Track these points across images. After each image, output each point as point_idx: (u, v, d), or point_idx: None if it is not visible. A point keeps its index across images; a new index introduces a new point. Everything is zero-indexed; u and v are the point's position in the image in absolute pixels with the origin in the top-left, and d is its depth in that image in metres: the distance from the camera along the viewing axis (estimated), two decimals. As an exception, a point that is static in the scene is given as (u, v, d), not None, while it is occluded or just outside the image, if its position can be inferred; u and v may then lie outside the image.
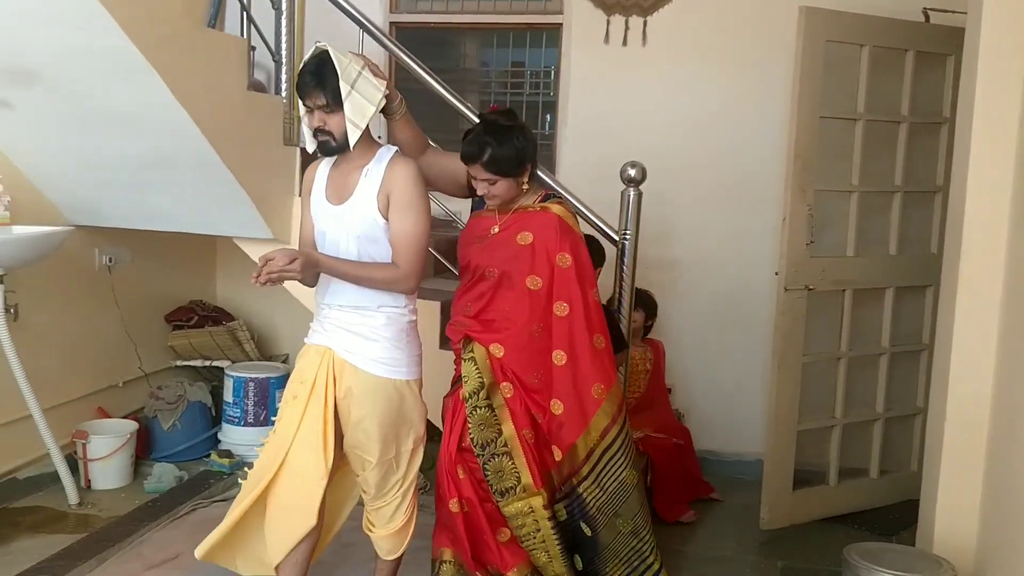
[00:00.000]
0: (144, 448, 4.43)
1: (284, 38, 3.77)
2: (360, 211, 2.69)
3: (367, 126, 2.68)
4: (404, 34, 5.20)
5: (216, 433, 4.62)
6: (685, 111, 4.77)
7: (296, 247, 2.87)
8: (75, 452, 4.09)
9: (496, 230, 2.94)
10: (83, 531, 3.65)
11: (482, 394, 2.92)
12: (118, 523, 3.75)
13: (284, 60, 3.77)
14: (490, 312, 2.95)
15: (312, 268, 2.63)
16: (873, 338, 4.22)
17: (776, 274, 3.90)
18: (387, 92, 2.75)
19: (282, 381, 4.60)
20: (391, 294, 2.74)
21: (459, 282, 3.08)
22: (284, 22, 3.76)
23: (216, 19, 4.07)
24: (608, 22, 4.81)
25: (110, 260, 4.40)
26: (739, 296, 4.52)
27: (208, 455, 4.47)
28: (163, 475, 4.17)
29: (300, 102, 2.70)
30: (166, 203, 3.79)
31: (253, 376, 4.55)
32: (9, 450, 3.89)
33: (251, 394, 4.52)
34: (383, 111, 2.85)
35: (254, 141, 3.59)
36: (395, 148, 2.80)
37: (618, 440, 2.92)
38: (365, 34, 3.91)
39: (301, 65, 2.66)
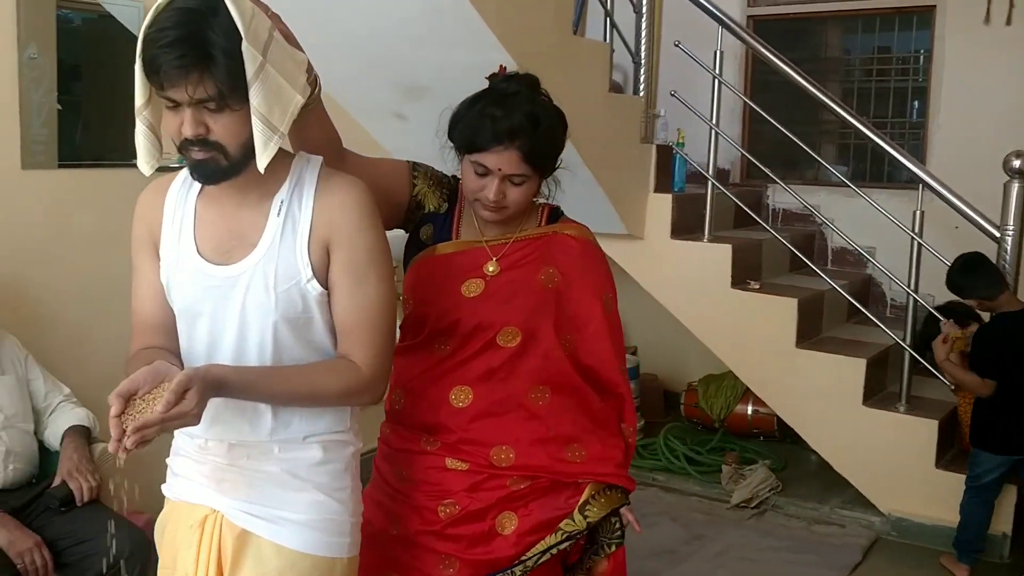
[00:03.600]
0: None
1: (644, 39, 3.90)
2: (277, 274, 1.51)
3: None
4: (761, 26, 5.13)
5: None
6: (1082, 91, 4.27)
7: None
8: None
9: (494, 269, 1.87)
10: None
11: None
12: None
13: (643, 61, 3.89)
14: (500, 394, 1.86)
15: (216, 394, 1.43)
16: None
17: None
18: (311, 74, 1.60)
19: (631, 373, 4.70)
20: (336, 411, 1.61)
21: (417, 353, 1.90)
22: (644, 24, 3.88)
23: (579, 24, 4.27)
24: (989, 1, 4.42)
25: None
26: None
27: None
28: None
29: (142, 90, 1.46)
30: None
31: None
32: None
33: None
34: None
35: (612, 140, 3.73)
36: (318, 159, 1.61)
37: None
38: (723, 29, 3.92)
39: (151, 18, 1.39)
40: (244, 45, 1.38)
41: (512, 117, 1.78)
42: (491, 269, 1.87)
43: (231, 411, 1.53)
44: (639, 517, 1.91)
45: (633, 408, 1.96)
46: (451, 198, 1.94)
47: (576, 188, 3.67)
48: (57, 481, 2.49)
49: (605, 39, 4.07)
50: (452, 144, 1.89)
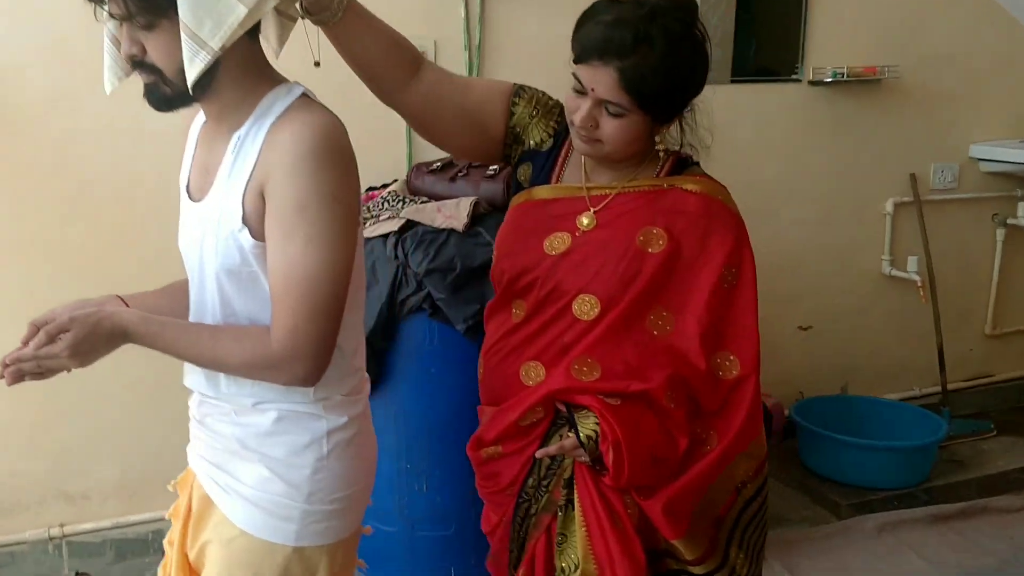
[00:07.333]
0: None
1: None
2: (220, 219, 1.33)
3: (245, 47, 1.31)
4: None
5: None
6: None
7: None
8: None
9: (589, 222, 1.56)
10: None
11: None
12: None
13: None
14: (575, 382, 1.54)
15: (125, 340, 1.29)
16: None
17: None
18: None
19: None
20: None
21: (496, 316, 1.66)
22: None
23: None
24: None
25: None
26: None
27: None
28: None
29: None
30: None
31: None
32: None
33: None
34: (307, 9, 1.43)
35: None
36: (301, 89, 1.36)
37: None
38: None
39: None
40: None
41: (621, 26, 1.40)
42: (584, 222, 1.56)
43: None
44: None
45: (738, 425, 1.53)
46: (559, 133, 1.63)
47: None
48: None
49: None
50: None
